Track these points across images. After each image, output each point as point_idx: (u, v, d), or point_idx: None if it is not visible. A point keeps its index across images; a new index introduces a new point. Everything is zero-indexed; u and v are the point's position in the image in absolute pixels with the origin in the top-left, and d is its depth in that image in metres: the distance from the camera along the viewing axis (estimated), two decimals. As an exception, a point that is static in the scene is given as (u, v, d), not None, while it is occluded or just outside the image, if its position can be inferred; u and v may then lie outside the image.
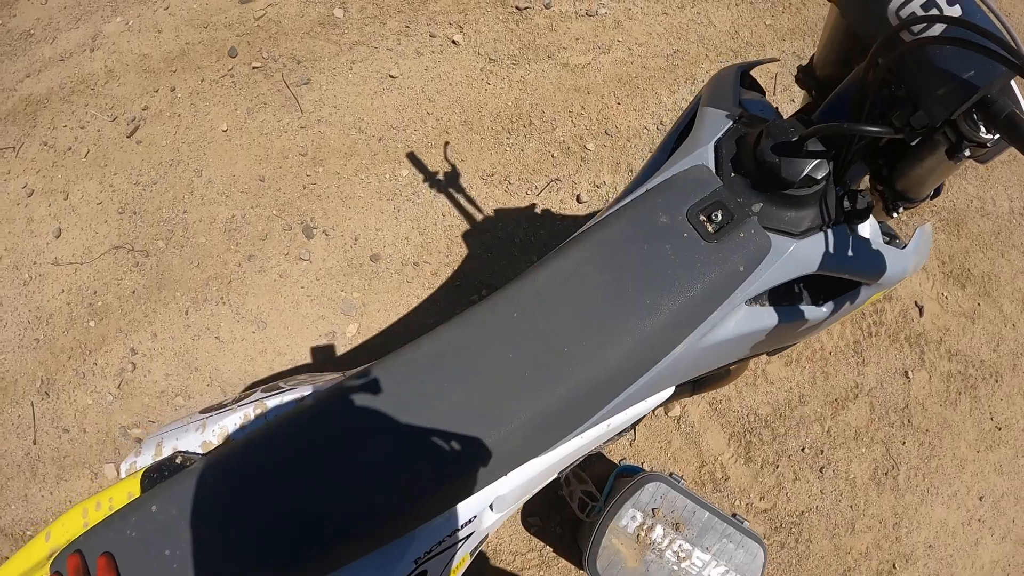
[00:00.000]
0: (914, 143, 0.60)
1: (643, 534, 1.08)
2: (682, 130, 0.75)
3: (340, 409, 0.58)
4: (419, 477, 0.57)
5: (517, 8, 1.71)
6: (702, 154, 0.66)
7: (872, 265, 0.67)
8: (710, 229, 0.62)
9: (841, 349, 1.62)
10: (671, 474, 1.21)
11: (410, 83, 1.61)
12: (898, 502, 1.58)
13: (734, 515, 1.17)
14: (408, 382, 0.58)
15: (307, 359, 1.41)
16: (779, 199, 0.63)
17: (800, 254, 0.63)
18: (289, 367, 1.42)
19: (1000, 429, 1.68)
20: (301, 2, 1.74)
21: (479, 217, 1.50)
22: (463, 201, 1.49)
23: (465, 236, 1.47)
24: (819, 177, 0.61)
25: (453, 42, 1.66)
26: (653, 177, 0.68)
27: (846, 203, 0.65)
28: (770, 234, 0.62)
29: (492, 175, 1.52)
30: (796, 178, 0.61)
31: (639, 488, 1.11)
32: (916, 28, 0.56)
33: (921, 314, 1.72)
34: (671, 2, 1.79)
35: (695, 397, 1.49)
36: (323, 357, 1.41)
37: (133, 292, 1.50)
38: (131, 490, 0.61)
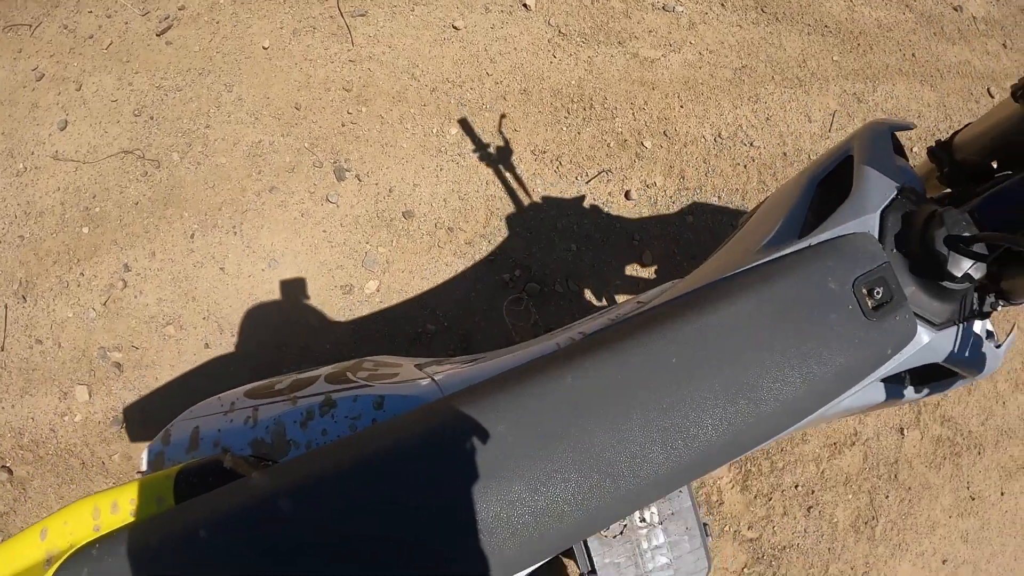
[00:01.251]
0: None
1: None
2: (823, 177, 0.73)
3: (444, 435, 0.49)
4: (530, 523, 0.49)
5: (595, -14, 1.63)
6: (868, 221, 0.65)
7: (979, 361, 0.69)
8: (870, 304, 0.61)
9: (850, 394, 1.63)
10: None
11: (473, 38, 1.52)
12: (871, 552, 1.60)
13: (705, 524, 1.16)
14: (543, 417, 0.51)
15: (317, 307, 1.32)
16: (932, 288, 0.63)
17: (935, 345, 0.64)
18: (297, 316, 1.33)
19: (973, 499, 1.72)
20: (369, -70, 1.62)
21: (523, 194, 1.42)
22: (509, 174, 1.41)
23: (506, 210, 1.40)
24: (976, 277, 0.62)
25: (524, 5, 1.57)
26: (816, 233, 0.65)
27: (977, 302, 0.67)
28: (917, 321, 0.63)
29: (544, 152, 1.45)
30: (959, 274, 0.61)
31: None
32: None
33: (927, 374, 1.74)
34: (746, 16, 1.74)
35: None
36: (334, 311, 1.32)
37: (136, 203, 1.38)
38: (161, 493, 0.50)
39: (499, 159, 1.40)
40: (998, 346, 0.74)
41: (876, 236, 0.64)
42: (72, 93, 1.45)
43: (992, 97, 2.15)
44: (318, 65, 1.47)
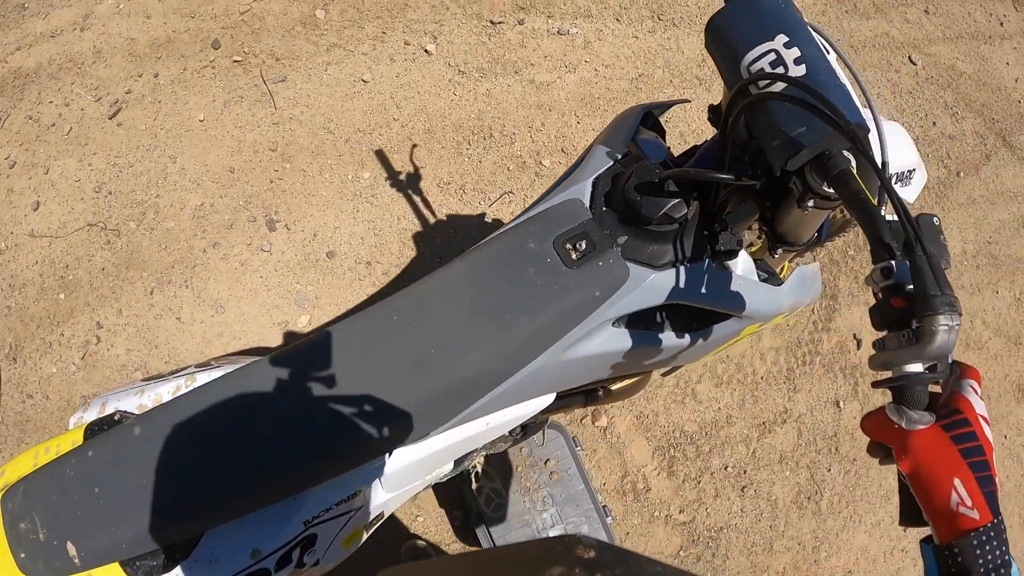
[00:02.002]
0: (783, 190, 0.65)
1: (523, 467, 1.18)
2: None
3: (245, 387, 0.67)
4: (303, 448, 0.65)
5: (491, 22, 1.76)
6: (579, 189, 0.72)
7: (734, 299, 0.73)
8: (574, 257, 0.68)
9: (773, 375, 1.69)
10: (574, 438, 1.29)
11: (380, 88, 1.68)
12: (819, 526, 1.63)
13: (604, 506, 1.25)
14: (302, 369, 0.67)
15: (260, 344, 1.49)
16: (642, 234, 0.69)
17: (658, 284, 0.69)
18: (242, 351, 1.50)
19: (928, 464, 1.72)
20: (285, 0, 1.80)
21: (432, 223, 1.57)
22: (419, 206, 1.56)
23: (417, 240, 1.54)
24: (676, 216, 0.67)
25: (426, 51, 1.72)
26: (533, 207, 0.74)
27: (712, 241, 0.71)
28: (631, 265, 0.68)
29: (449, 183, 1.59)
30: (654, 216, 0.67)
31: (541, 430, 1.19)
32: (763, 83, 0.59)
33: (859, 347, 1.78)
34: (642, 26, 1.84)
35: (622, 410, 1.56)
36: (274, 344, 1.48)
37: (103, 269, 1.58)
38: (75, 439, 0.70)
39: (408, 195, 1.55)
40: (779, 284, 0.77)
41: (587, 200, 0.71)
42: (41, 177, 1.66)
43: (914, 64, 2.17)
44: (247, 130, 1.65)
